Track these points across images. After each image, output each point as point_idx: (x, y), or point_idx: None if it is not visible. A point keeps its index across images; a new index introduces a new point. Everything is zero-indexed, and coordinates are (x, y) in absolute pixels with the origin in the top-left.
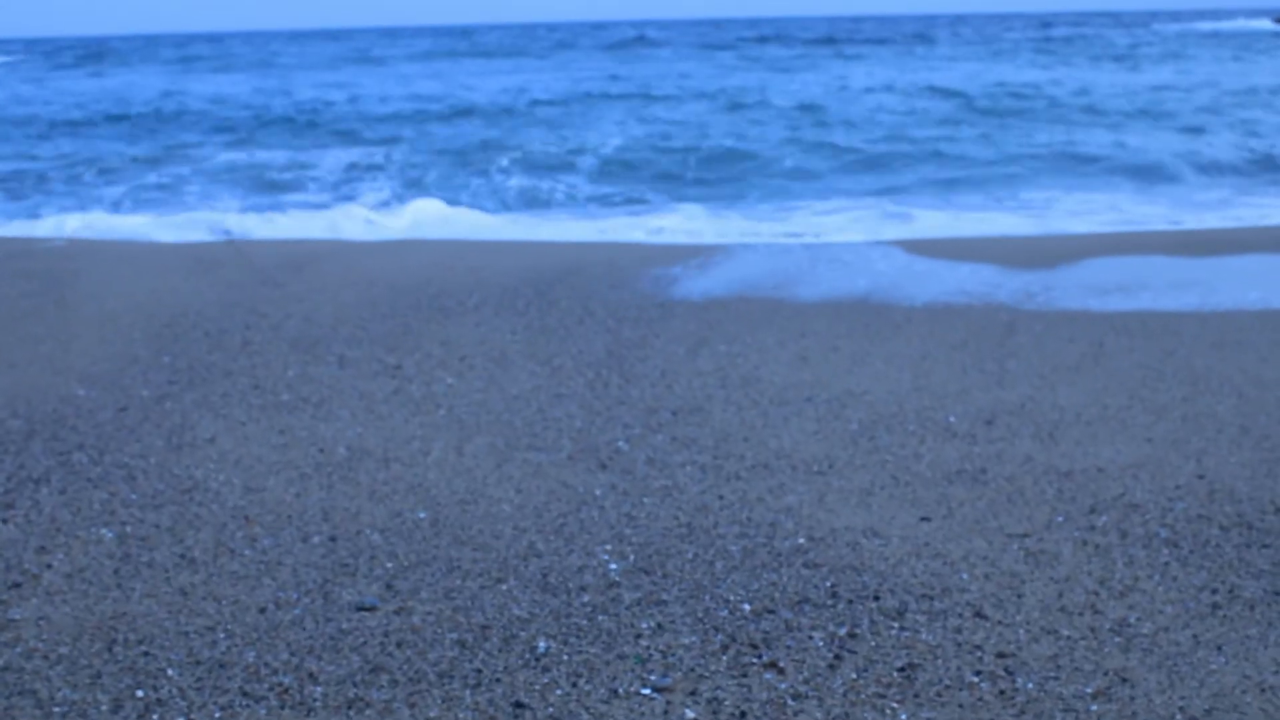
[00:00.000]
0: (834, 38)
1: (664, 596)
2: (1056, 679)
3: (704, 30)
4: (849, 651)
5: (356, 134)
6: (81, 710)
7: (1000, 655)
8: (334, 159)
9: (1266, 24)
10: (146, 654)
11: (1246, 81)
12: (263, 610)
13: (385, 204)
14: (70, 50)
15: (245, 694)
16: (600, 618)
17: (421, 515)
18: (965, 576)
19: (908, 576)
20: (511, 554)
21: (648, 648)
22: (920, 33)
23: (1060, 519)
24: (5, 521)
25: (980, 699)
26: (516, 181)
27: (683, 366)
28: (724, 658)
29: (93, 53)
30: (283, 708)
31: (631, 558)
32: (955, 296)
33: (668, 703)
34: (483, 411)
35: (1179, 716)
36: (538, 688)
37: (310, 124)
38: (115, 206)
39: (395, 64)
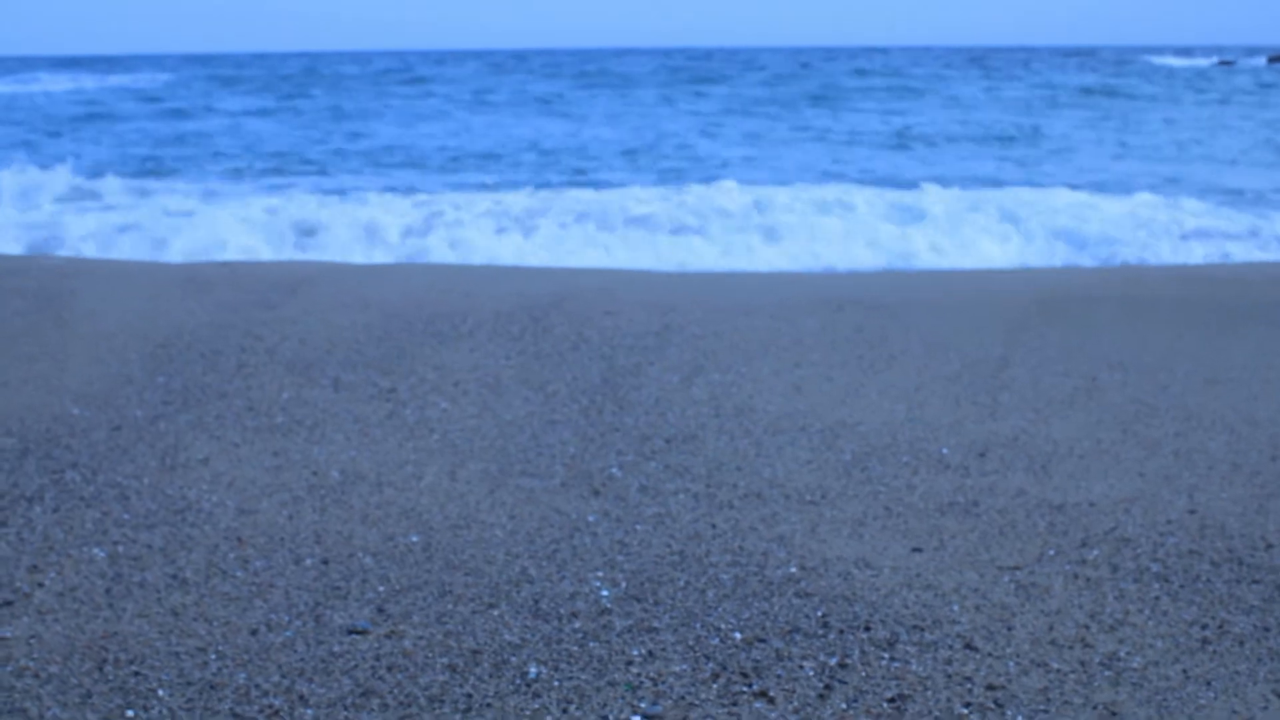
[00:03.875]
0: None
1: (655, 624)
2: (1046, 712)
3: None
4: (839, 681)
5: None
6: None
7: (990, 687)
8: None
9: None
10: (137, 674)
11: None
12: (254, 632)
13: None
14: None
15: (235, 715)
16: (591, 644)
17: (414, 539)
18: (956, 608)
19: (899, 607)
20: (503, 579)
21: (638, 675)
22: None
23: (1052, 552)
24: None
25: None
26: None
27: (677, 395)
28: (714, 686)
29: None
30: None
31: (623, 585)
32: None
33: None
34: (476, 437)
35: None
36: (528, 713)
37: None
38: None
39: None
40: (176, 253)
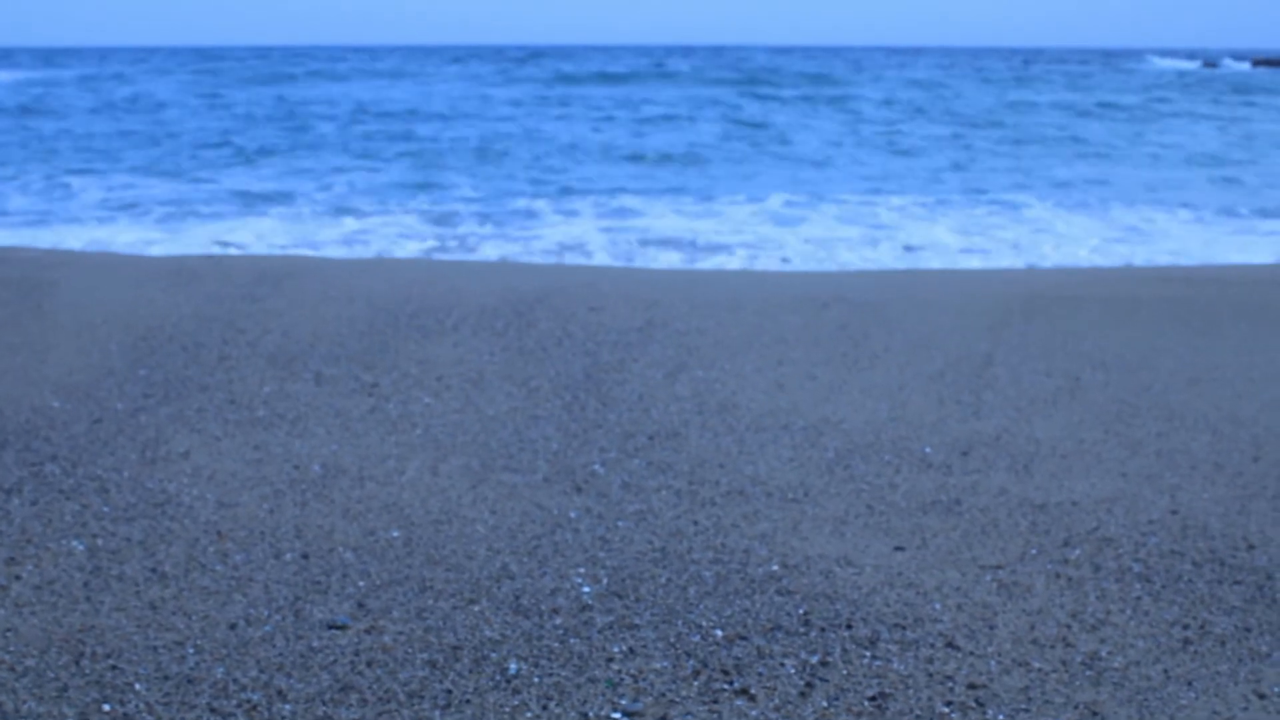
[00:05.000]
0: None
1: (636, 621)
2: (1027, 711)
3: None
4: (820, 679)
5: None
6: None
7: (971, 686)
8: None
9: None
10: (114, 668)
11: None
12: (233, 626)
13: None
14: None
15: (213, 710)
16: (572, 641)
17: (395, 534)
18: (938, 607)
19: (880, 606)
20: (484, 575)
21: (619, 672)
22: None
23: (1034, 551)
24: None
25: None
26: None
27: (660, 391)
28: (695, 683)
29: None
30: None
31: (604, 581)
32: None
33: None
34: (459, 432)
35: None
36: (508, 709)
37: None
38: None
39: None
40: None
